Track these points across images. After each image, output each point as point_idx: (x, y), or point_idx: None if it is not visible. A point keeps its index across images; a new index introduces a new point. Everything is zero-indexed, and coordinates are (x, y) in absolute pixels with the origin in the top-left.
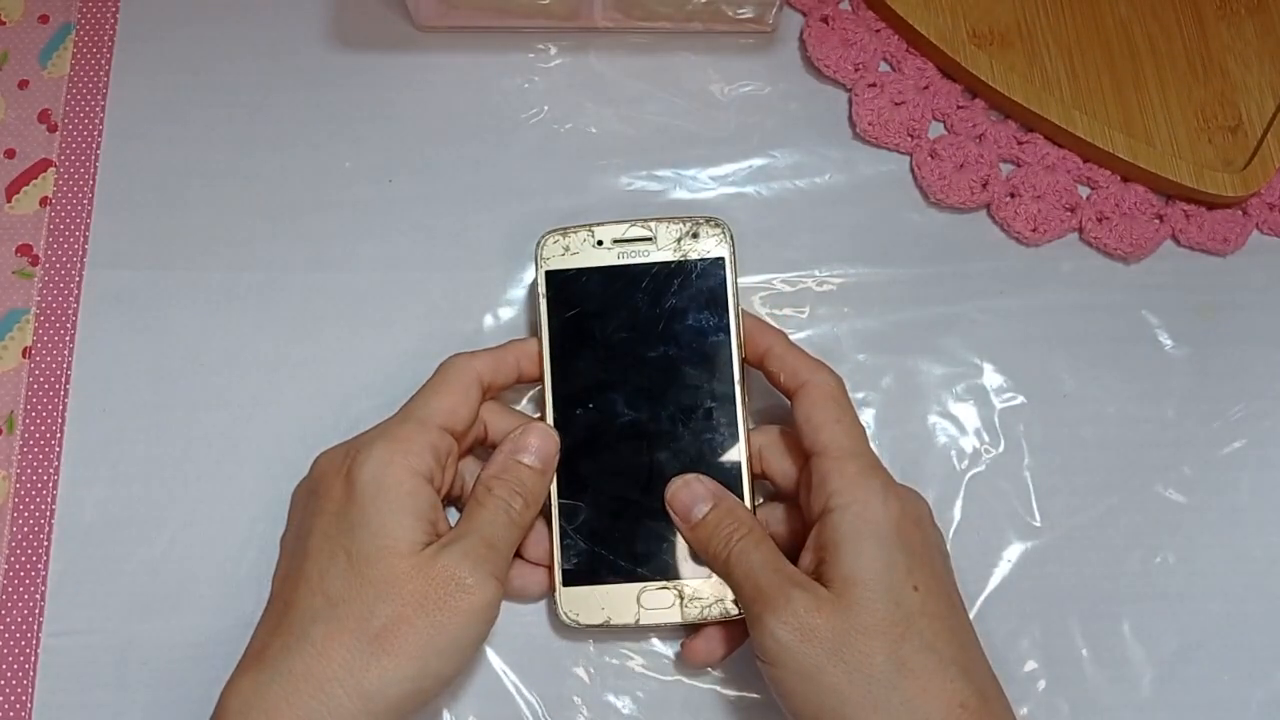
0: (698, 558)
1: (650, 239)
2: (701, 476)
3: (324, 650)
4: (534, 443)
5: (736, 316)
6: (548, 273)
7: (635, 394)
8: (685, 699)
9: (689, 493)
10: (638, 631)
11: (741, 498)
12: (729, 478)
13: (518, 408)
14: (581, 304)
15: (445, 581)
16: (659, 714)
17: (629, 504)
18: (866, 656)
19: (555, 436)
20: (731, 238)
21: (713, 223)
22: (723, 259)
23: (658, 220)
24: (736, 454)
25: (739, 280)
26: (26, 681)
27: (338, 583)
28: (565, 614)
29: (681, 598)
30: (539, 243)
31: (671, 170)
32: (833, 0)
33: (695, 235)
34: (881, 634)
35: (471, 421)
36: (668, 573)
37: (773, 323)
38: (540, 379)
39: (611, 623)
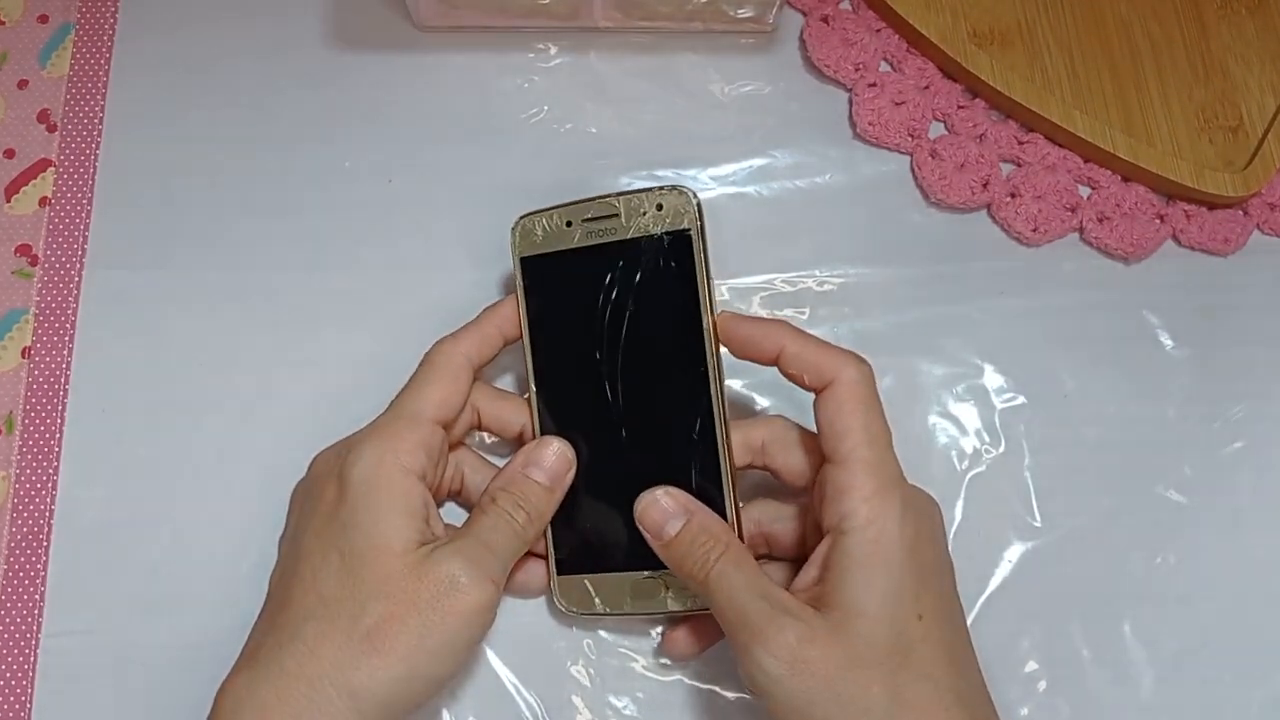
0: None
1: (616, 215)
2: (671, 489)
3: (315, 649)
4: (547, 459)
5: (706, 291)
6: (522, 259)
7: (613, 381)
8: (685, 699)
9: (659, 510)
10: (631, 620)
11: (720, 489)
12: (707, 468)
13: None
14: (556, 290)
15: (439, 581)
16: (659, 714)
17: (615, 494)
18: (862, 689)
19: (570, 455)
20: (699, 205)
21: (677, 192)
22: (689, 231)
23: (620, 195)
24: (713, 442)
25: (708, 250)
26: (26, 682)
27: (331, 582)
28: (559, 601)
29: (668, 588)
30: (512, 229)
31: (671, 170)
32: (833, 0)
33: (660, 207)
34: (879, 665)
35: (463, 407)
36: (656, 564)
37: (786, 316)
38: (523, 360)
39: (603, 611)
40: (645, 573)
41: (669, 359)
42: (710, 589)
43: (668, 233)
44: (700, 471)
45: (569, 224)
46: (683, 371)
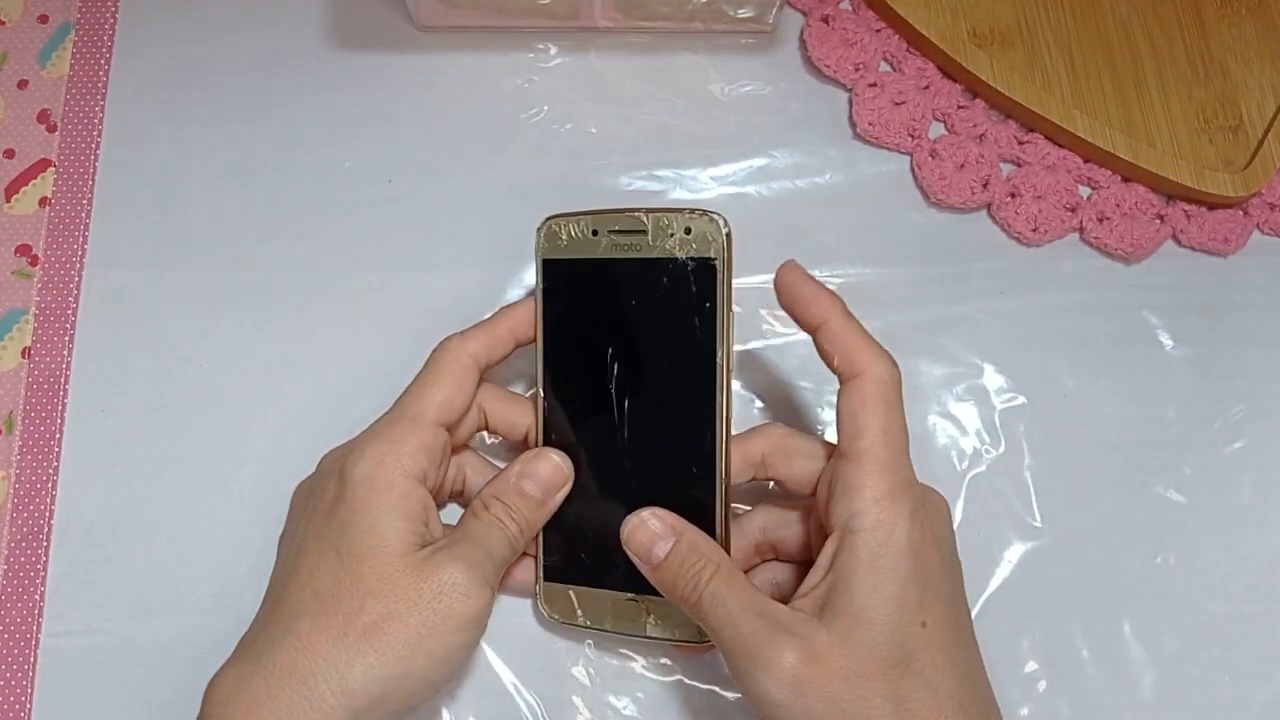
0: None
1: (643, 232)
2: (658, 510)
3: (309, 645)
4: (543, 472)
5: (725, 324)
6: (544, 261)
7: (620, 397)
8: (685, 699)
9: (646, 532)
10: (612, 636)
11: (713, 511)
12: (703, 493)
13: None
14: (574, 297)
15: (441, 584)
16: (659, 714)
17: (609, 509)
18: (865, 701)
19: (566, 470)
20: (728, 235)
21: (708, 218)
22: (714, 260)
23: (651, 211)
24: (711, 472)
25: (733, 280)
26: (26, 682)
27: (327, 579)
28: (542, 607)
29: (650, 614)
30: (538, 229)
31: (671, 170)
32: (833, 0)
33: (689, 230)
34: (881, 675)
35: (467, 408)
36: (641, 587)
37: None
38: (534, 363)
39: (584, 624)
40: (629, 595)
41: (679, 384)
42: (704, 612)
43: (693, 259)
44: (695, 497)
45: (595, 232)
46: (691, 399)
